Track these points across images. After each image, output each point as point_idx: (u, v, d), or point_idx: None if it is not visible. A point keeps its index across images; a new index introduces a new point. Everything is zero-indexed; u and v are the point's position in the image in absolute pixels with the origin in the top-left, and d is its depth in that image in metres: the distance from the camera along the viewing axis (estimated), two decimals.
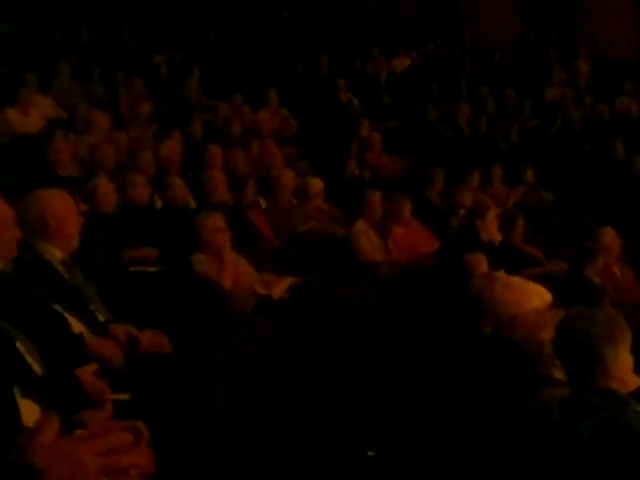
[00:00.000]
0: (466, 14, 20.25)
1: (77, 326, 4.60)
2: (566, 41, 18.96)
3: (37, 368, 3.62)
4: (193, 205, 9.23)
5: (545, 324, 4.18)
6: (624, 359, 3.59)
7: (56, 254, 5.01)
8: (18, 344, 3.55)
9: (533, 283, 4.71)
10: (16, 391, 3.23)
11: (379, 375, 6.70)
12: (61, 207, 5.01)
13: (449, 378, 4.88)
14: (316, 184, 9.88)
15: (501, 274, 5.40)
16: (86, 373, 3.86)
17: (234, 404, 4.38)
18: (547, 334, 4.08)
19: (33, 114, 11.45)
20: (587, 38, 19.39)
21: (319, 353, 6.76)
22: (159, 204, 9.03)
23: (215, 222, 7.22)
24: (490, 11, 20.39)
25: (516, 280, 4.84)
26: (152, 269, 7.21)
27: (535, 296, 4.54)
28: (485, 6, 20.47)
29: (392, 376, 6.59)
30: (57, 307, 4.55)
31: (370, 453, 5.32)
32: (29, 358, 3.61)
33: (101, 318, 4.93)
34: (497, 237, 8.50)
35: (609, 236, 8.47)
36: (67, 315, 4.59)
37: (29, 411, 3.22)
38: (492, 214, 8.42)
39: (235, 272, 7.20)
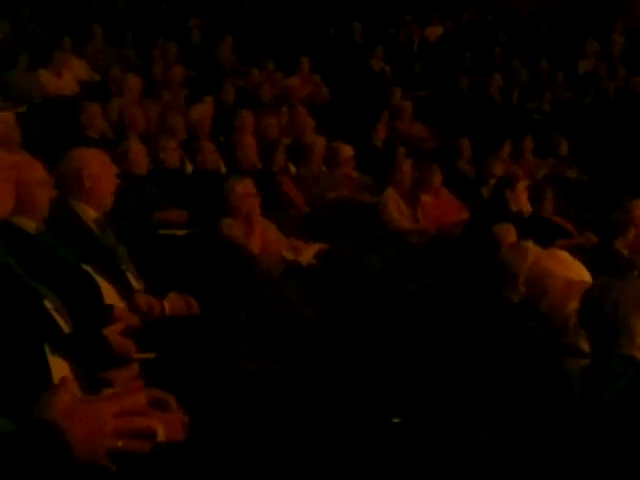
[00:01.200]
0: None
1: (106, 287, 4.64)
2: (601, 13, 18.78)
3: (65, 326, 3.66)
4: (223, 169, 9.24)
5: (572, 295, 4.19)
6: None
7: (90, 213, 5.06)
8: (46, 302, 3.59)
9: (576, 260, 4.71)
10: (46, 348, 3.27)
11: (406, 343, 6.71)
12: (96, 166, 5.05)
13: (476, 347, 4.90)
14: (346, 151, 9.87)
15: (531, 245, 5.40)
16: (113, 332, 3.90)
17: (258, 366, 4.41)
18: (574, 305, 4.09)
19: (66, 76, 11.48)
20: (623, 10, 19.21)
21: (346, 319, 6.79)
22: (189, 168, 9.05)
23: (245, 187, 7.25)
24: None
25: (549, 253, 4.83)
26: (181, 232, 7.24)
27: (572, 271, 4.53)
28: None
29: (419, 344, 6.61)
30: (87, 268, 4.59)
31: (395, 420, 5.35)
32: (57, 316, 3.65)
33: (131, 278, 4.98)
34: (527, 208, 8.46)
35: (639, 209, 8.41)
36: (97, 276, 4.63)
37: (59, 368, 3.26)
38: (522, 185, 8.37)
39: (264, 237, 7.24)
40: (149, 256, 5.97)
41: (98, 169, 5.05)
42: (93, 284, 4.51)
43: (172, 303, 4.78)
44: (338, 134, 10.58)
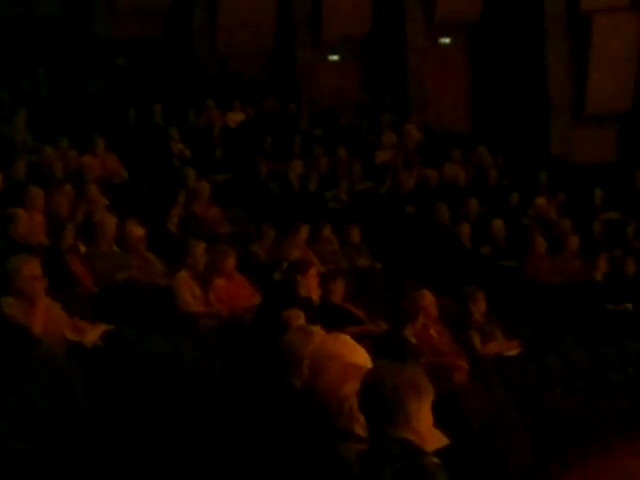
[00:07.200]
0: (304, 74, 20.52)
1: None
2: (399, 106, 19.38)
3: None
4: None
5: (348, 378, 4.14)
6: (426, 415, 3.60)
7: None
8: None
9: (358, 345, 4.67)
10: None
11: (191, 428, 6.57)
12: None
13: (261, 433, 4.80)
14: (138, 231, 9.72)
15: (317, 329, 5.35)
16: None
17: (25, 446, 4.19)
18: (350, 388, 4.04)
19: None
20: (419, 105, 19.90)
21: (129, 403, 6.60)
22: None
23: (30, 269, 7.03)
24: (328, 72, 20.74)
25: (334, 336, 4.79)
26: None
27: (355, 355, 4.49)
28: (323, 68, 20.82)
29: (205, 430, 6.48)
30: None
31: None
32: None
33: None
34: (317, 293, 8.48)
35: (427, 298, 8.57)
36: None
37: None
38: (313, 271, 8.41)
39: (46, 317, 7.01)
40: None
41: None
42: None
43: None
44: (132, 214, 10.41)
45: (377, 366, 3.81)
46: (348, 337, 4.68)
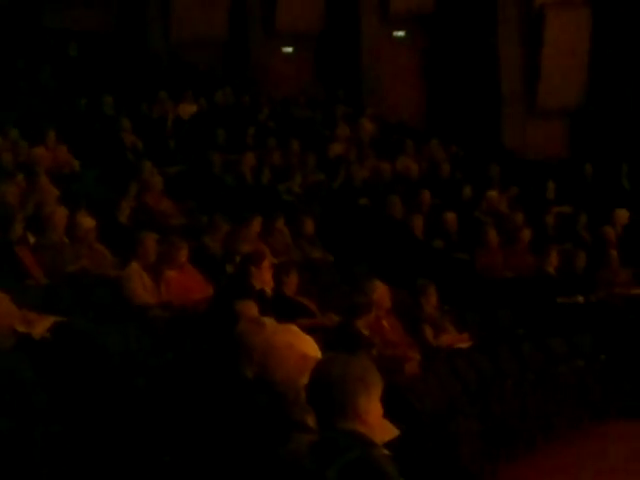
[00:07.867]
0: (258, 66, 20.47)
1: None
2: (353, 99, 19.38)
3: None
4: None
5: (305, 369, 4.13)
6: (375, 406, 3.58)
7: None
8: None
9: (308, 336, 4.67)
10: None
11: (142, 420, 6.55)
12: None
13: (212, 424, 4.78)
14: (88, 223, 9.65)
15: (269, 320, 5.34)
16: None
17: None
18: (306, 380, 4.03)
19: None
20: (373, 98, 19.92)
21: (79, 395, 6.56)
22: None
23: None
24: (282, 65, 20.70)
25: (285, 327, 4.78)
26: None
27: (305, 346, 4.49)
28: (277, 60, 20.77)
29: (157, 421, 6.46)
30: None
31: None
32: None
33: None
34: (270, 286, 8.46)
35: (379, 291, 8.60)
36: None
37: None
38: (266, 263, 8.38)
39: None
40: None
41: None
42: None
43: None
44: (84, 205, 10.32)
45: (325, 359, 3.80)
46: (297, 328, 4.67)
